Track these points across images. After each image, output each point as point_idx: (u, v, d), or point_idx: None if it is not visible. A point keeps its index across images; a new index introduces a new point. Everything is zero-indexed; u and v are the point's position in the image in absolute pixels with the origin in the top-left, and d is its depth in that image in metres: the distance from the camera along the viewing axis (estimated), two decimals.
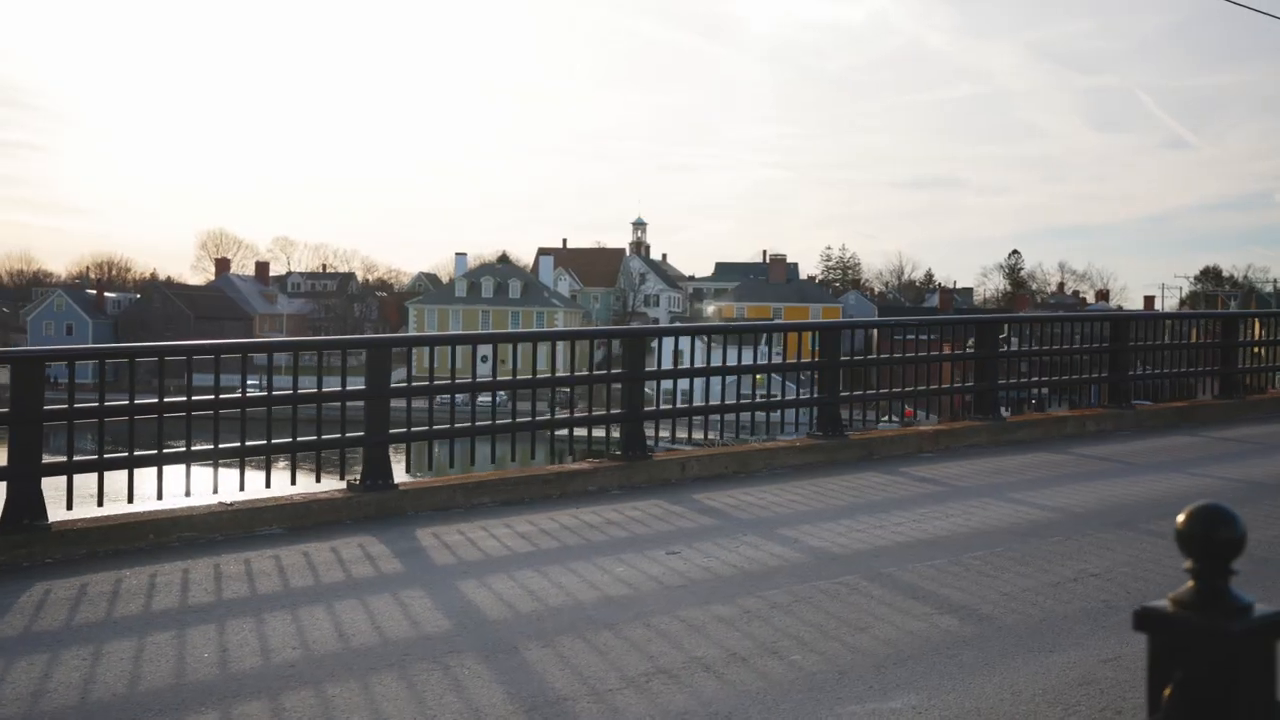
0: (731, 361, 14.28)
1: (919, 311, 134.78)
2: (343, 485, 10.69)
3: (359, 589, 7.93)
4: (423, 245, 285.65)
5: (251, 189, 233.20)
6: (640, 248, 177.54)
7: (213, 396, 9.88)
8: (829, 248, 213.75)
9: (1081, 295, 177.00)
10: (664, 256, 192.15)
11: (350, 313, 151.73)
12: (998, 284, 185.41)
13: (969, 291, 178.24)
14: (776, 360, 16.04)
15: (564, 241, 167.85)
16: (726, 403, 13.52)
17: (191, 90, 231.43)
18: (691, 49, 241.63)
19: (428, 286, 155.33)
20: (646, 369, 12.98)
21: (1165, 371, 18.29)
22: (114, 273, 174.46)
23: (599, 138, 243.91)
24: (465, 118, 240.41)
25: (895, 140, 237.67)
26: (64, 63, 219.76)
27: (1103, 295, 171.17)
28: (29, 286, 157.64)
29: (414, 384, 11.18)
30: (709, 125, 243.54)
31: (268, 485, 10.23)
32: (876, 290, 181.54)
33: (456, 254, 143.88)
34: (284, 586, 8.04)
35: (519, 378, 11.89)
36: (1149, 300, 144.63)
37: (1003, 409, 17.21)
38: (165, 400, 9.89)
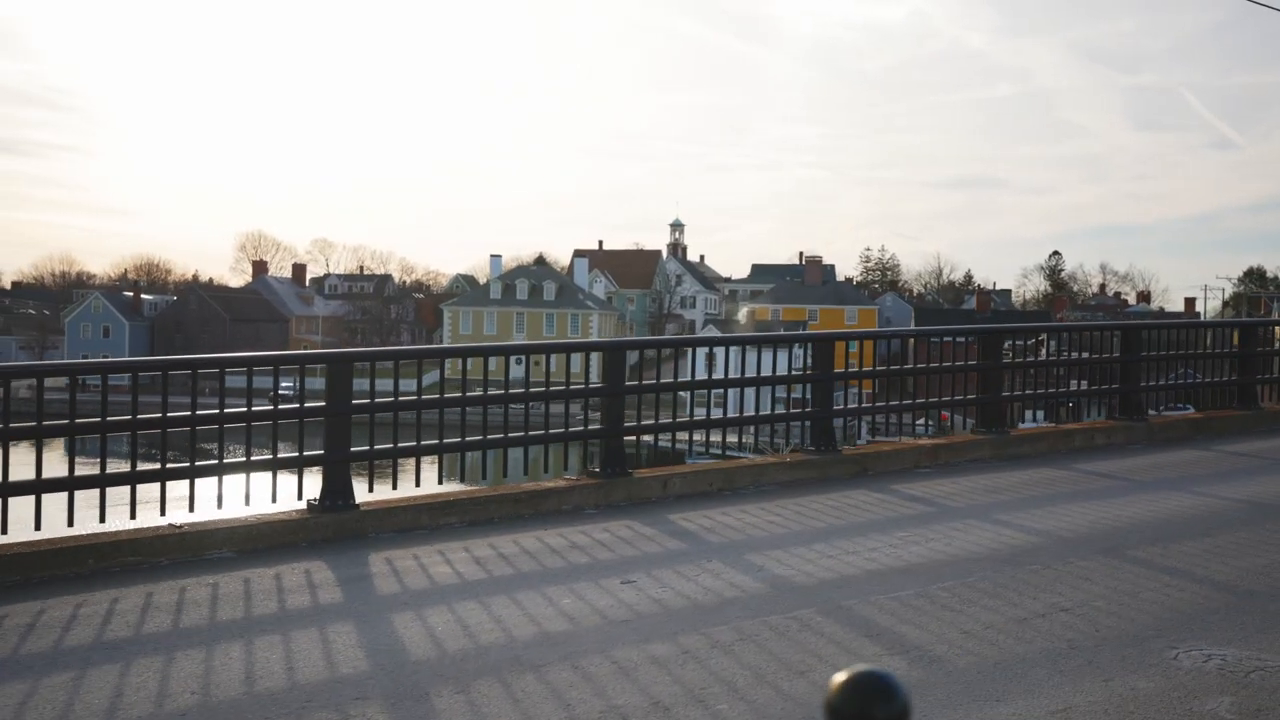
0: (740, 372, 13.85)
1: (956, 314, 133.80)
2: (302, 505, 10.35)
3: (288, 623, 7.58)
4: (462, 247, 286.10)
5: (293, 191, 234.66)
6: (677, 249, 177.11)
7: (160, 415, 9.52)
8: (868, 249, 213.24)
9: (1123, 296, 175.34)
10: (701, 258, 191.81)
11: (386, 315, 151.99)
12: (1038, 285, 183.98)
13: (1008, 294, 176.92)
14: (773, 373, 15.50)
15: (600, 243, 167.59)
16: (712, 418, 13.11)
17: (233, 92, 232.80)
18: (730, 49, 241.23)
19: (465, 288, 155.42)
20: (644, 381, 12.61)
21: (1179, 382, 17.75)
22: (155, 274, 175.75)
23: (638, 138, 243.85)
24: (505, 119, 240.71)
25: (935, 140, 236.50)
26: (103, 65, 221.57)
27: (1144, 297, 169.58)
28: (70, 288, 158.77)
29: (377, 400, 10.79)
30: (747, 126, 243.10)
31: (219, 506, 9.90)
32: (915, 292, 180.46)
33: (491, 256, 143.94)
34: (210, 619, 7.70)
35: (491, 394, 11.52)
36: (1189, 302, 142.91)
37: (1029, 418, 16.85)
38: (109, 420, 9.51)
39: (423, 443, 11.10)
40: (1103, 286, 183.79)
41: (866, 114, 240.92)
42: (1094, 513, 11.14)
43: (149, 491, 9.71)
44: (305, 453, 10.41)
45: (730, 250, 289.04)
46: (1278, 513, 11.17)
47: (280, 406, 10.15)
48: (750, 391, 13.50)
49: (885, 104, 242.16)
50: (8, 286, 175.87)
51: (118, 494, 9.63)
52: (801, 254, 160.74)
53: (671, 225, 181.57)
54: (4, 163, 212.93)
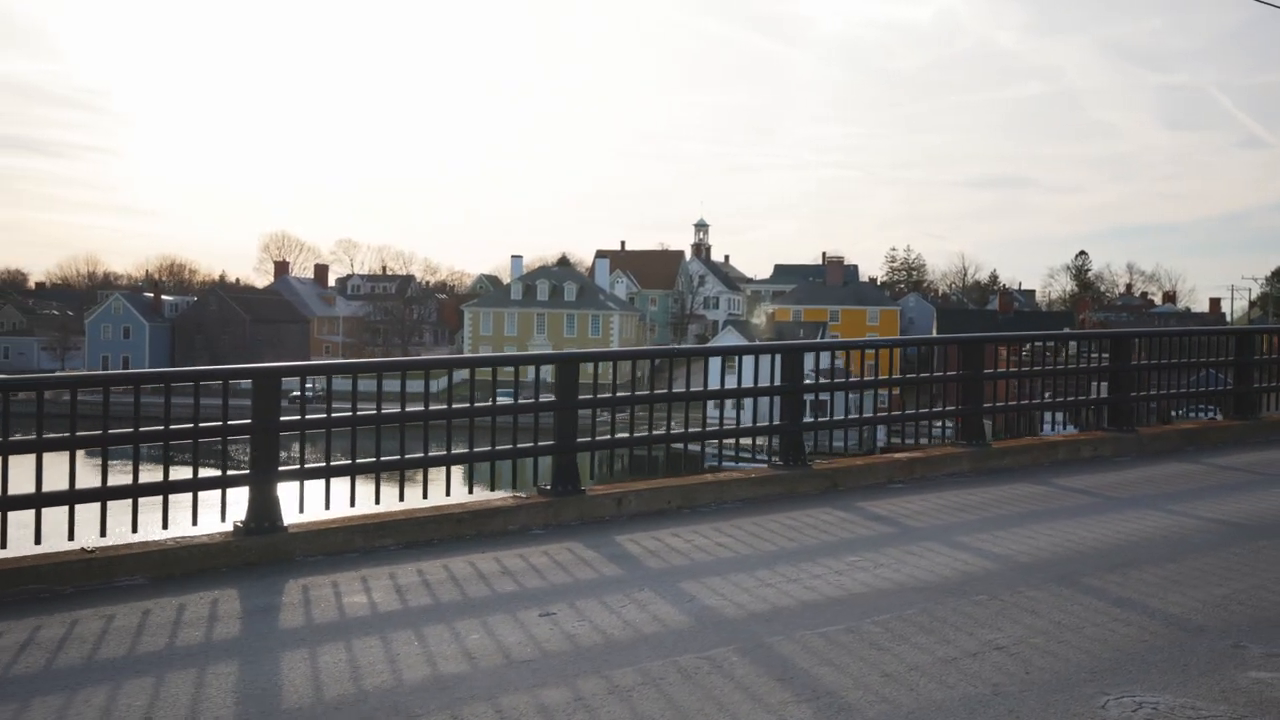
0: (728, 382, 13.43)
1: (980, 315, 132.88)
2: (229, 527, 9.95)
3: (169, 662, 7.15)
4: (490, 246, 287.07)
5: (319, 192, 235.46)
6: (701, 249, 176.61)
7: (69, 434, 9.12)
8: (893, 249, 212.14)
9: (1149, 296, 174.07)
10: (726, 258, 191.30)
11: (407, 315, 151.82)
12: (1065, 285, 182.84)
13: (1032, 294, 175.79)
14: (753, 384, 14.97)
15: (622, 244, 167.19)
16: (673, 432, 12.65)
17: (261, 94, 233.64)
18: (756, 48, 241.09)
19: (488, 288, 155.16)
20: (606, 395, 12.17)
21: (1170, 392, 17.21)
22: (180, 275, 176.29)
23: (665, 138, 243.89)
24: (534, 120, 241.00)
25: (963, 140, 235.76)
26: (132, 65, 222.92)
27: (1170, 297, 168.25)
28: (95, 289, 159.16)
29: (308, 416, 10.36)
30: (774, 125, 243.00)
31: (134, 530, 9.50)
32: (940, 292, 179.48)
33: (512, 256, 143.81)
34: (88, 658, 7.26)
35: (433, 409, 11.09)
36: (1214, 303, 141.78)
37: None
38: (44, 438, 9.09)
39: (358, 460, 10.67)
40: (1129, 287, 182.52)
41: (894, 113, 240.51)
42: (1060, 534, 10.64)
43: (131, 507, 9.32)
44: (231, 472, 10.00)
45: (756, 250, 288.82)
46: (1251, 534, 10.64)
47: (202, 424, 9.72)
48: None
49: (913, 103, 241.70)
50: (35, 287, 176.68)
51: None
52: (824, 254, 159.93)
53: (695, 225, 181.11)
54: (33, 163, 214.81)
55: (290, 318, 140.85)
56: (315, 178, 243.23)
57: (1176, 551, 9.93)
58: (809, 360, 13.85)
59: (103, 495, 9.37)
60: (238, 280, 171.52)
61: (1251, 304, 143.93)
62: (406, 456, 10.92)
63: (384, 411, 10.74)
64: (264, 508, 9.95)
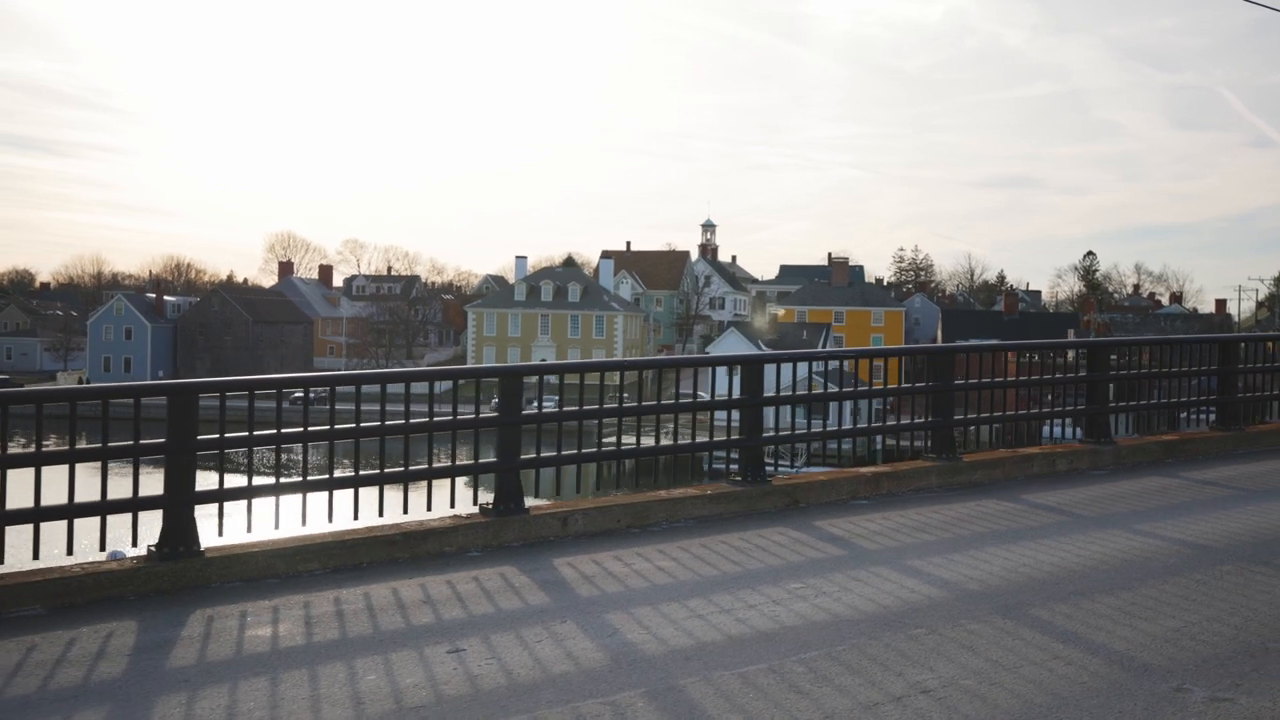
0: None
1: (986, 315, 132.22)
2: (144, 552, 9.51)
3: (26, 712, 6.70)
4: (497, 247, 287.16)
5: (327, 191, 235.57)
6: (708, 250, 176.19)
7: None
8: (901, 249, 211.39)
9: (1157, 297, 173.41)
10: (734, 258, 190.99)
11: (411, 316, 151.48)
12: (1072, 286, 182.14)
13: (1038, 295, 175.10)
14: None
15: (628, 244, 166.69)
16: (624, 448, 12.20)
17: (270, 94, 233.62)
18: (767, 47, 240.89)
19: (494, 289, 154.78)
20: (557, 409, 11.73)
21: (1151, 402, 16.73)
22: (189, 274, 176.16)
23: (676, 138, 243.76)
24: (544, 120, 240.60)
25: (973, 139, 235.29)
26: (142, 65, 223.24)
27: (1176, 298, 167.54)
28: (101, 289, 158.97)
29: (227, 435, 9.90)
30: (785, 125, 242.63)
31: (35, 556, 9.06)
32: (947, 292, 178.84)
33: (516, 257, 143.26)
34: None
35: (364, 424, 10.63)
36: (1220, 304, 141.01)
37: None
38: None
39: (283, 481, 10.23)
40: (1136, 287, 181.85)
41: (903, 113, 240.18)
42: (1017, 557, 10.18)
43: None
44: (144, 494, 9.55)
45: (766, 250, 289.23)
46: (1216, 558, 10.17)
47: (110, 445, 9.27)
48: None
49: (922, 103, 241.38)
50: (41, 287, 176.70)
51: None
52: (829, 255, 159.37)
53: (703, 226, 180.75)
54: (42, 162, 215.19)
55: (294, 319, 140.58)
56: (324, 178, 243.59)
57: (1134, 577, 9.46)
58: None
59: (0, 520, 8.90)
60: (246, 280, 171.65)
61: (1259, 304, 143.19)
62: (335, 476, 10.46)
63: (311, 429, 10.28)
64: (178, 531, 9.50)
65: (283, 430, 10.21)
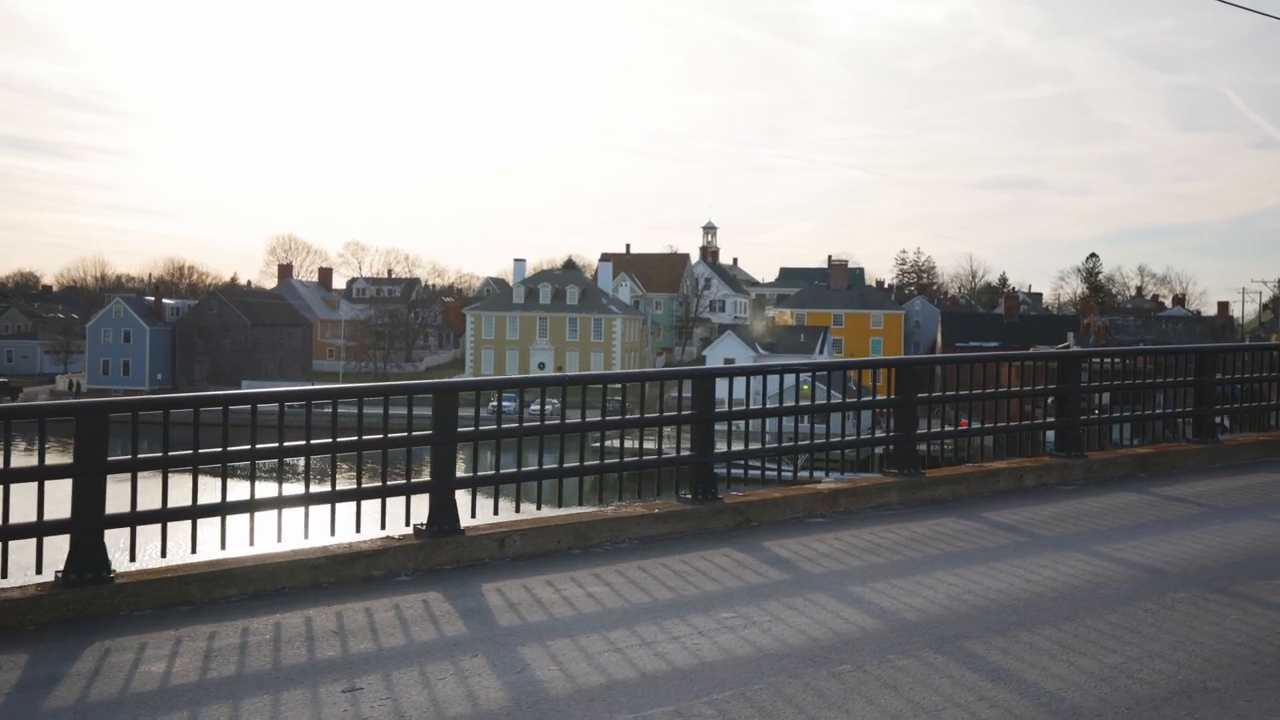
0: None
1: (987, 318, 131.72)
2: (50, 578, 9.13)
3: None
4: (500, 249, 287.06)
5: (329, 194, 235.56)
6: (708, 252, 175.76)
7: None
8: (903, 251, 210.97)
9: (1160, 299, 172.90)
10: (735, 260, 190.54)
11: (411, 319, 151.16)
12: (1075, 288, 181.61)
13: (1040, 297, 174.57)
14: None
15: (627, 247, 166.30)
16: (567, 466, 11.80)
17: (273, 96, 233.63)
18: (769, 49, 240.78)
19: (495, 291, 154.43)
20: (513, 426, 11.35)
21: (1125, 414, 16.33)
22: (193, 277, 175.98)
23: (678, 140, 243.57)
24: (544, 121, 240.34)
25: (975, 140, 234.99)
26: (144, 67, 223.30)
27: (1179, 300, 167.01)
28: (104, 291, 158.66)
29: (139, 456, 9.50)
30: (788, 126, 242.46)
31: (3, 575, 8.69)
32: (949, 294, 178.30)
33: (515, 260, 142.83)
34: None
35: (289, 444, 10.22)
36: (1223, 306, 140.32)
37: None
38: None
39: (200, 504, 9.84)
40: (1139, 289, 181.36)
41: (906, 114, 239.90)
42: (964, 583, 9.78)
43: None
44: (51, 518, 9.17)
45: (769, 252, 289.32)
46: (1170, 584, 9.75)
47: (14, 468, 8.89)
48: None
49: (925, 104, 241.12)
50: (49, 289, 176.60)
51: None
52: (829, 257, 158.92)
53: (703, 228, 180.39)
54: (46, 165, 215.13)
55: (292, 321, 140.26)
56: (326, 178, 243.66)
57: (1081, 606, 9.06)
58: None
59: None
60: (249, 283, 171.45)
61: (1264, 307, 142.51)
62: (257, 498, 10.06)
63: (230, 449, 9.89)
64: (86, 557, 9.13)
65: (200, 450, 9.81)
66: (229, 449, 9.90)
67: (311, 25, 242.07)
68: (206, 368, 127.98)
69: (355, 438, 10.60)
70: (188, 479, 9.98)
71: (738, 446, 13.08)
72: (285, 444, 10.17)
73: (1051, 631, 8.39)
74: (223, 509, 9.91)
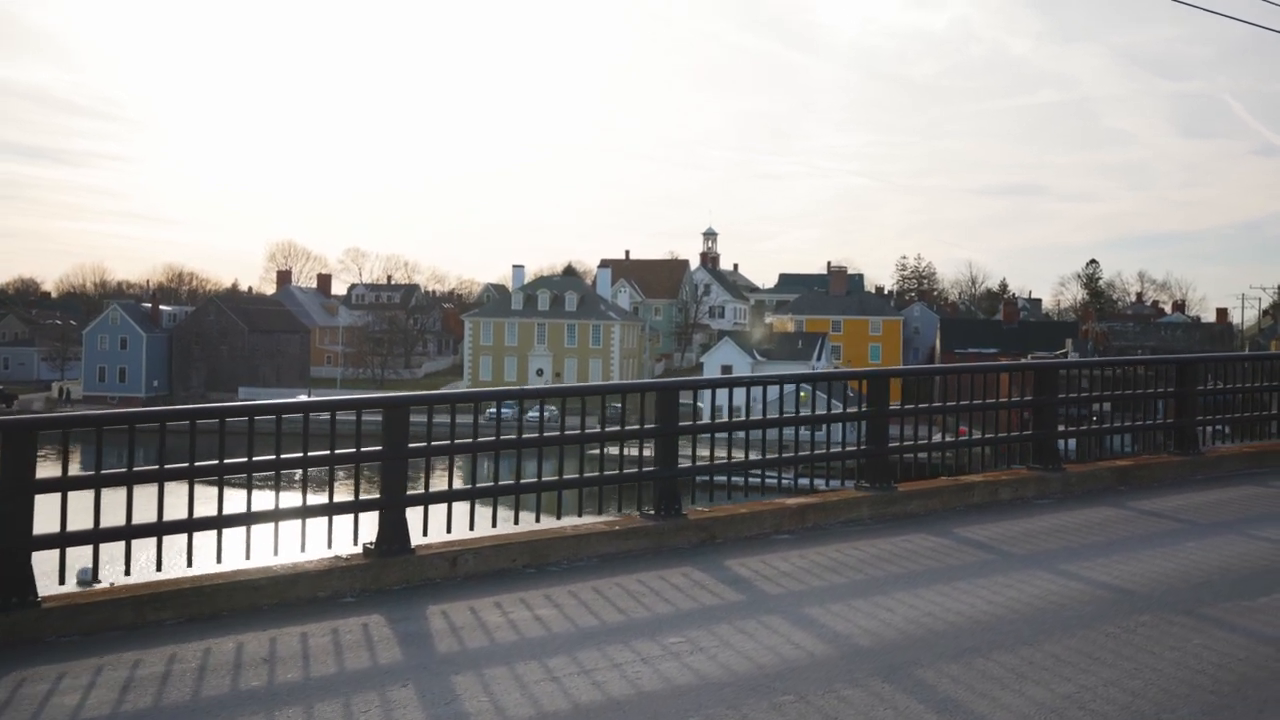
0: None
1: (987, 325, 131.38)
2: None
3: None
4: (503, 255, 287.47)
5: (331, 200, 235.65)
6: (708, 258, 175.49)
7: None
8: (904, 257, 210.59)
9: (1160, 305, 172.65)
10: (735, 266, 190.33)
11: (409, 325, 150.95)
12: (1075, 294, 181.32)
13: (1039, 303, 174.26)
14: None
15: (627, 253, 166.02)
16: (523, 482, 11.49)
17: (276, 102, 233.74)
18: (774, 56, 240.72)
19: (495, 298, 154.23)
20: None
21: (1098, 427, 16.02)
22: (193, 283, 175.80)
23: (684, 146, 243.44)
24: (550, 127, 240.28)
25: (978, 147, 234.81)
26: (148, 72, 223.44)
27: (1179, 306, 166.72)
28: (105, 298, 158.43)
29: (69, 476, 9.19)
30: (792, 133, 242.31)
31: None
32: (950, 300, 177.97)
33: (513, 266, 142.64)
34: None
35: (229, 460, 9.91)
36: (1221, 312, 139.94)
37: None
38: None
39: (134, 523, 9.53)
40: (1139, 295, 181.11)
41: (910, 120, 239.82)
42: (924, 604, 9.47)
43: None
44: None
45: (774, 258, 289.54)
46: (1137, 605, 9.43)
47: None
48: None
49: (928, 110, 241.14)
50: (48, 295, 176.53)
51: None
52: (829, 263, 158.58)
53: (704, 234, 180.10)
54: (50, 171, 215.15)
55: (290, 328, 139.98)
56: (328, 186, 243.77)
57: (1042, 630, 8.74)
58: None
59: None
60: (250, 289, 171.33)
61: (1264, 313, 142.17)
62: (195, 517, 9.75)
63: (168, 467, 9.59)
64: (10, 581, 8.80)
65: (134, 469, 9.51)
66: (165, 467, 9.61)
67: (312, 29, 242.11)
68: (203, 375, 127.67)
69: (301, 454, 10.28)
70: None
71: (720, 457, 12.78)
72: (226, 460, 9.85)
73: (1007, 657, 8.08)
74: (159, 529, 9.60)
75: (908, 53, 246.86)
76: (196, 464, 9.73)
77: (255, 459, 10.00)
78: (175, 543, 9.80)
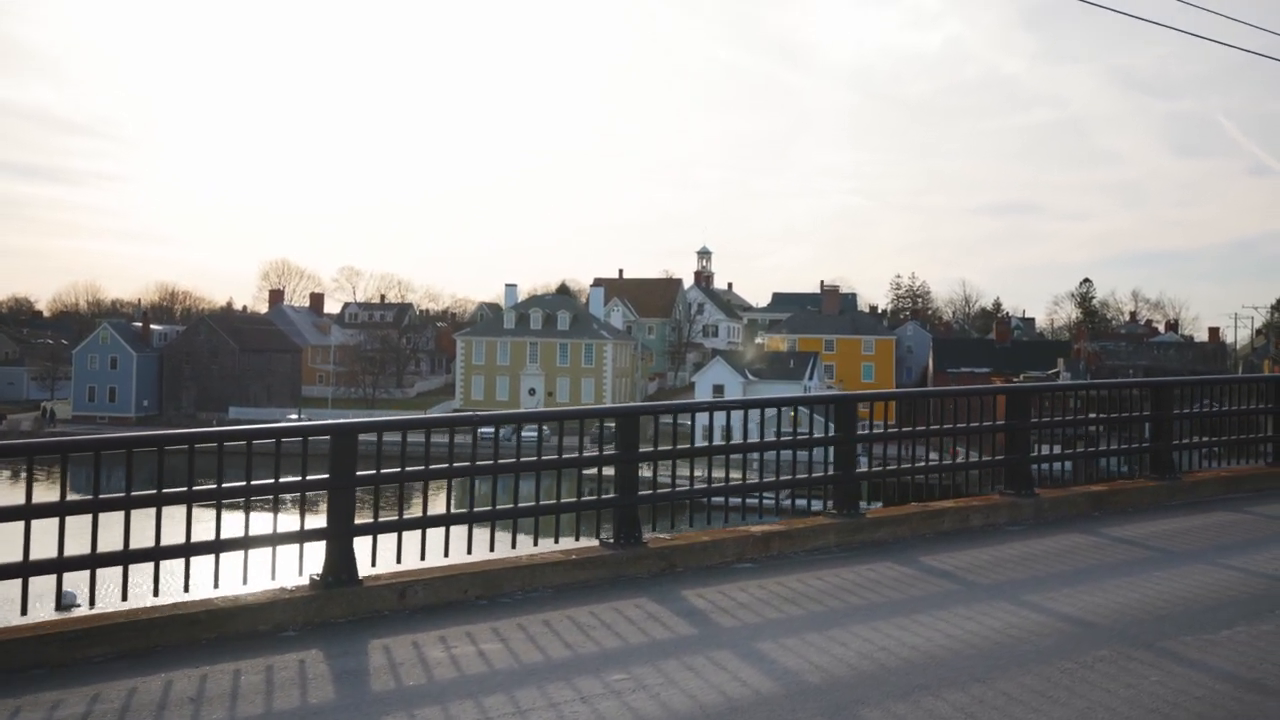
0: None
1: (980, 344, 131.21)
2: None
3: None
4: (498, 274, 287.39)
5: (327, 219, 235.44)
6: (702, 277, 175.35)
7: None
8: (898, 276, 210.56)
9: (1154, 324, 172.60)
10: (730, 285, 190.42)
11: (401, 344, 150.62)
12: (1069, 313, 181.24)
13: (1032, 322, 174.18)
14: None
15: (620, 271, 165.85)
16: (477, 511, 11.23)
17: (270, 121, 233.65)
18: (769, 76, 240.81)
19: (488, 316, 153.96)
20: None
21: (1075, 451, 15.78)
22: (188, 302, 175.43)
23: (676, 164, 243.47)
24: (546, 147, 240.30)
25: (973, 166, 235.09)
26: (144, 91, 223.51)
27: (1172, 326, 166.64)
28: (98, 317, 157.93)
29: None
30: (787, 152, 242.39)
31: None
32: (944, 319, 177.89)
33: (506, 284, 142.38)
34: None
35: (167, 490, 9.64)
36: (1213, 332, 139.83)
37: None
38: None
39: (67, 556, 9.25)
40: (1133, 314, 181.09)
41: (905, 140, 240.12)
42: (879, 638, 9.21)
43: None
44: None
45: (770, 277, 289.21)
46: (1098, 639, 9.17)
47: None
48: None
49: (923, 130, 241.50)
50: (40, 314, 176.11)
51: None
52: (821, 282, 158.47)
53: (698, 253, 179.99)
54: (46, 190, 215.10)
55: (282, 347, 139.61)
56: (325, 203, 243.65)
57: (997, 665, 8.48)
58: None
59: None
60: (244, 308, 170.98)
61: (1257, 332, 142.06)
62: (131, 549, 9.47)
63: (101, 498, 9.32)
64: None
65: (66, 500, 9.24)
66: (100, 497, 9.35)
67: (306, 47, 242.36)
68: (194, 394, 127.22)
69: (244, 483, 10.01)
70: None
71: (684, 478, 12.55)
72: (164, 490, 9.59)
73: (957, 696, 7.82)
74: (93, 561, 9.32)
75: (903, 73, 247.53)
76: (133, 494, 9.45)
77: (195, 489, 9.74)
78: (143, 570, 9.56)
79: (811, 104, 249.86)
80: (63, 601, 9.42)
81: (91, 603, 9.48)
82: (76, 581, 9.40)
